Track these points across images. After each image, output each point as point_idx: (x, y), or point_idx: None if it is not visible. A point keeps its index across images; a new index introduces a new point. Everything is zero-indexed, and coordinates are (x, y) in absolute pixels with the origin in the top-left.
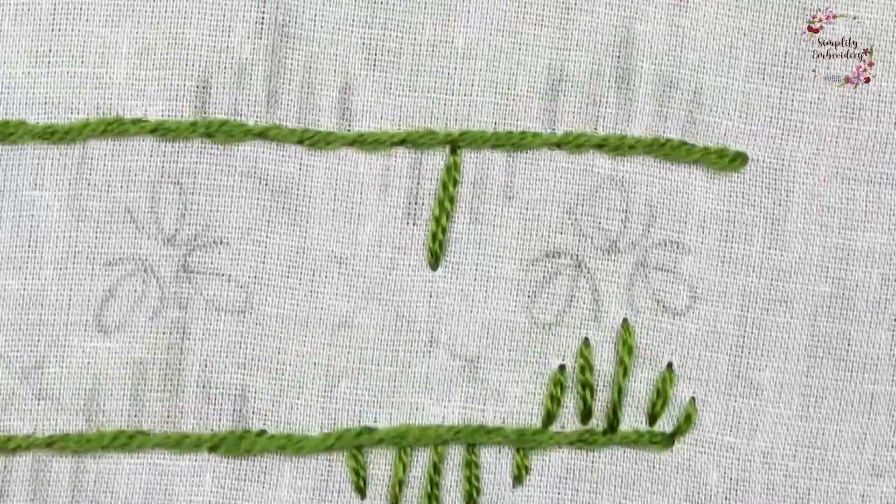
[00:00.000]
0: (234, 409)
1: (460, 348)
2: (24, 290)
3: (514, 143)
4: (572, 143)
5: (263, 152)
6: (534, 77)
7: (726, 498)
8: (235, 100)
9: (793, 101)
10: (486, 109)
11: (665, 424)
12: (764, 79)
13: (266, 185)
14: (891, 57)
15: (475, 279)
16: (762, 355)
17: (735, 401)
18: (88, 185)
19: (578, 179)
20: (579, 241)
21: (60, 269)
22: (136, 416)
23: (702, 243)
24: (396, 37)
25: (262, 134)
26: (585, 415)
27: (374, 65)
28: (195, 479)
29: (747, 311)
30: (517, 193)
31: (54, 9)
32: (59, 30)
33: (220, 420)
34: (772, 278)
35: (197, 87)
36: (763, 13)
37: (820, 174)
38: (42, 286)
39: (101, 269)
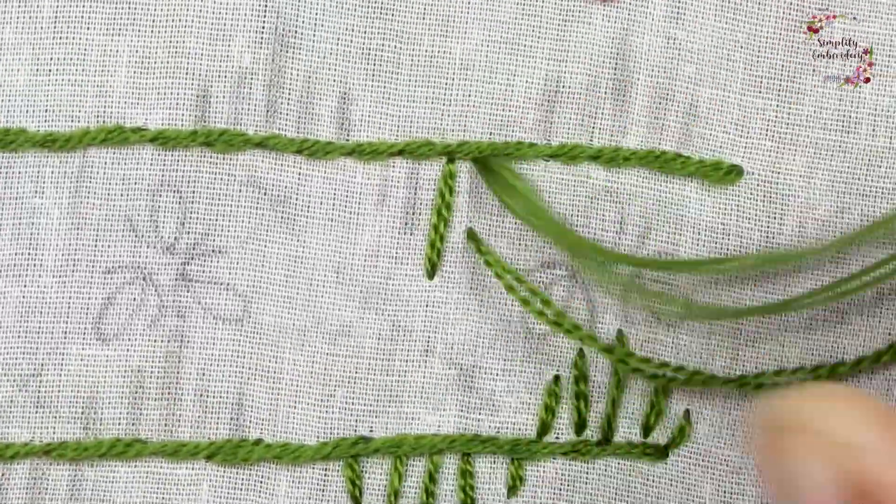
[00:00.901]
0: (231, 418)
1: (456, 358)
2: (24, 297)
3: (509, 153)
4: (568, 155)
5: (263, 161)
6: (530, 88)
7: None
8: (235, 109)
9: (788, 114)
10: (483, 120)
11: (659, 436)
12: (760, 92)
13: (265, 194)
14: (886, 71)
15: (471, 289)
16: (756, 368)
17: (729, 413)
18: (88, 193)
19: (573, 191)
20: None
21: (60, 276)
22: (133, 424)
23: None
24: (395, 47)
25: (262, 143)
26: (580, 426)
27: (373, 75)
28: (192, 487)
29: (742, 324)
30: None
31: (55, 17)
32: (60, 38)
33: (217, 428)
34: (766, 291)
35: (197, 96)
36: (760, 26)
37: (815, 188)
38: (41, 294)
39: (101, 276)
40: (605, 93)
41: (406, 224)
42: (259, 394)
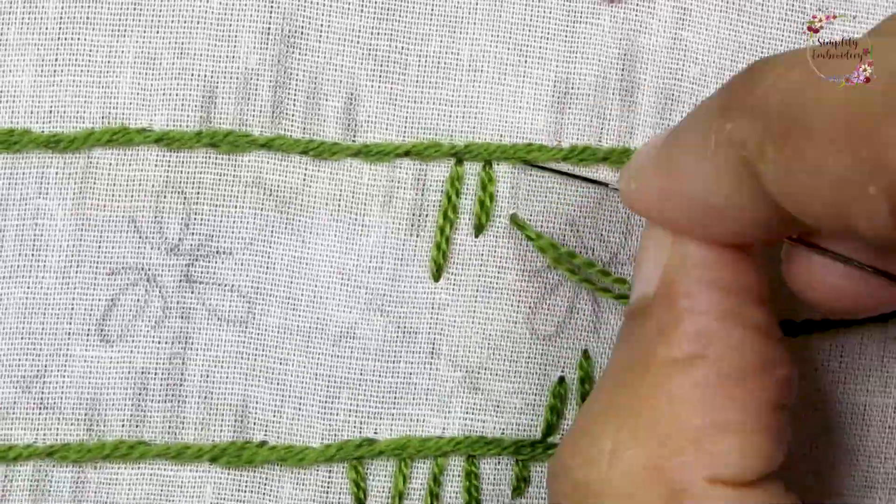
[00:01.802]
0: (235, 420)
1: (461, 359)
2: (27, 298)
3: (518, 155)
4: (577, 156)
5: (268, 162)
6: (539, 90)
7: None
8: (241, 110)
9: None
10: (492, 122)
11: None
12: None
13: (270, 195)
14: None
15: (476, 291)
16: None
17: None
18: (93, 193)
19: (581, 192)
20: (581, 252)
21: (63, 277)
22: (137, 426)
23: None
24: (402, 48)
25: (268, 144)
26: None
27: (380, 76)
28: (196, 489)
29: None
30: (520, 205)
31: (60, 18)
32: (65, 39)
33: (221, 431)
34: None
35: (202, 96)
36: (764, 28)
37: None
38: (45, 295)
39: (104, 278)
40: (613, 93)
41: (412, 226)
42: (263, 396)
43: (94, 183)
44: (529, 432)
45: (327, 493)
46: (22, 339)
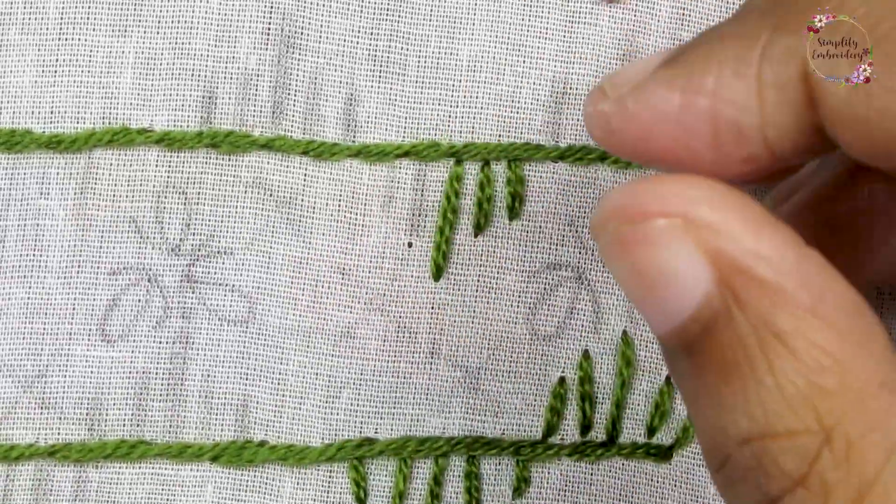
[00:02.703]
0: (236, 419)
1: (461, 359)
2: (29, 298)
3: (517, 155)
4: (575, 156)
5: (269, 163)
6: (538, 89)
7: None
8: (241, 110)
9: None
10: (490, 122)
11: (664, 437)
12: None
13: (271, 195)
14: None
15: (476, 291)
16: None
17: None
18: (94, 194)
19: (581, 192)
20: (580, 253)
21: (65, 278)
22: (138, 425)
23: None
24: (402, 49)
25: (268, 145)
26: (585, 427)
27: (380, 76)
28: (197, 489)
29: None
30: (519, 205)
31: (61, 18)
32: (66, 39)
33: (222, 430)
34: None
35: (203, 97)
36: None
37: None
38: (46, 295)
39: (105, 278)
40: None
41: (412, 226)
42: (264, 395)
43: (96, 183)
44: (529, 433)
45: (328, 492)
46: (23, 338)
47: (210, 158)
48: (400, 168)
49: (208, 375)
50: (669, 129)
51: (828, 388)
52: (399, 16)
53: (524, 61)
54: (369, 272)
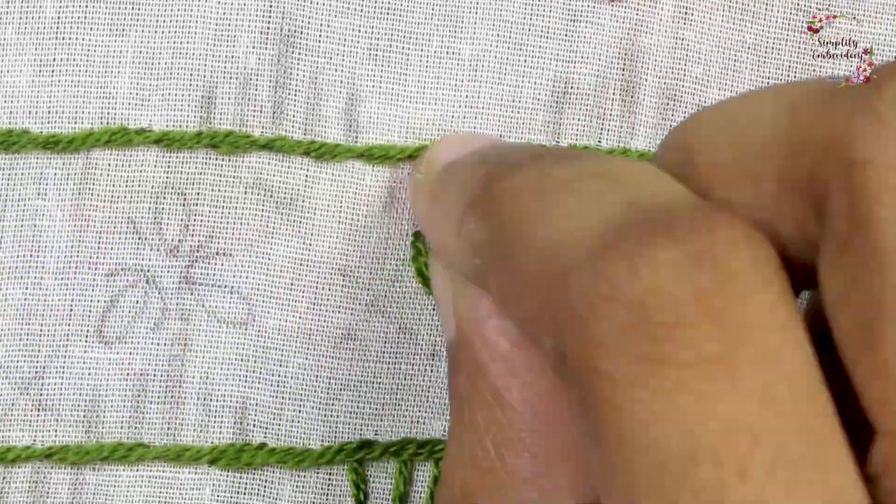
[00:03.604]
0: (234, 422)
1: None
2: (26, 299)
3: None
4: None
5: (269, 164)
6: (539, 89)
7: None
8: (241, 110)
9: None
10: (492, 121)
11: None
12: None
13: (271, 196)
14: None
15: None
16: None
17: None
18: (91, 194)
19: None
20: None
21: (62, 279)
22: (136, 427)
23: None
24: (403, 48)
25: (268, 145)
26: None
27: (381, 76)
28: (195, 492)
29: None
30: None
31: (58, 18)
32: (64, 39)
33: (220, 433)
34: None
35: (202, 97)
36: (767, 27)
37: None
38: (43, 296)
39: (103, 279)
40: (614, 93)
41: (414, 227)
42: (263, 397)
43: (94, 184)
44: None
45: (328, 495)
46: (20, 340)
47: (209, 159)
48: (402, 169)
49: (207, 377)
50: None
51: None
52: (400, 15)
53: (526, 61)
54: (370, 274)
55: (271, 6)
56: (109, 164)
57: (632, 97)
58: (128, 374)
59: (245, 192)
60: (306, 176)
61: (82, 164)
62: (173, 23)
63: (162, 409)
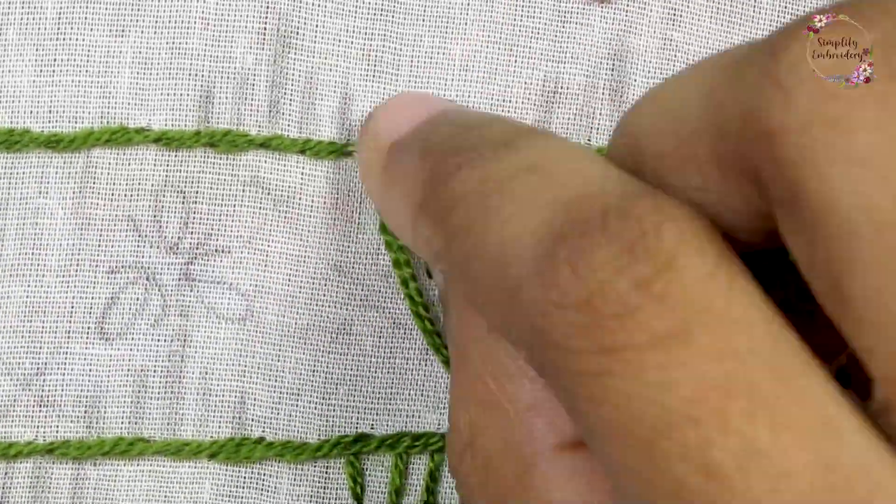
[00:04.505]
0: (233, 417)
1: None
2: (27, 297)
3: None
4: None
5: (266, 162)
6: (529, 89)
7: None
8: (238, 109)
9: None
10: None
11: None
12: None
13: (268, 194)
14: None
15: None
16: None
17: None
18: (92, 193)
19: None
20: None
21: (63, 276)
22: (136, 423)
23: None
24: (395, 48)
25: (265, 144)
26: None
27: (374, 75)
28: (194, 486)
29: None
30: None
31: (59, 17)
32: (64, 38)
33: (219, 427)
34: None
35: (200, 96)
36: (755, 29)
37: None
38: (45, 293)
39: (104, 276)
40: (603, 94)
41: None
42: (261, 392)
43: (94, 182)
44: None
45: (325, 488)
46: (22, 337)
47: (208, 157)
48: None
49: (206, 373)
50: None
51: None
52: (393, 16)
53: (516, 61)
54: (365, 269)
55: (268, 8)
56: (110, 163)
57: (621, 97)
58: (128, 370)
59: (243, 190)
60: (302, 174)
61: (83, 163)
62: (172, 24)
63: (162, 405)
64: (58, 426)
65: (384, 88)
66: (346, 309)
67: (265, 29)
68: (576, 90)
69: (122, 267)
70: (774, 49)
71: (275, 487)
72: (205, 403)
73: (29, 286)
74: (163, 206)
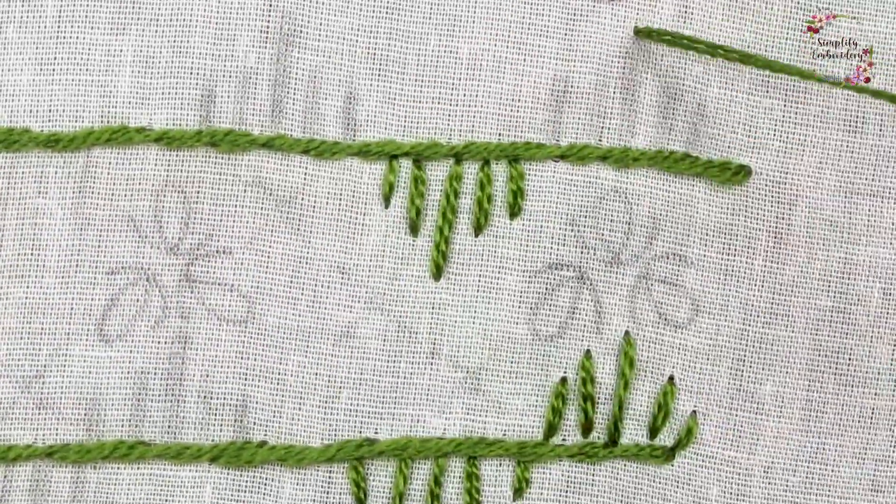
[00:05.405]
0: (234, 420)
1: (462, 360)
2: (27, 298)
3: (517, 154)
4: (576, 155)
5: (268, 162)
6: (538, 88)
7: None
8: (240, 109)
9: (796, 114)
10: (491, 120)
11: (666, 438)
12: (768, 92)
13: (270, 194)
14: (892, 70)
15: (477, 290)
16: (763, 369)
17: (736, 415)
18: (92, 193)
19: (582, 191)
20: (582, 252)
21: (63, 277)
22: (136, 426)
23: (704, 256)
24: (401, 47)
25: (268, 144)
26: (587, 428)
27: (379, 74)
28: (195, 490)
29: (749, 325)
30: (520, 204)
31: (59, 16)
32: (64, 38)
33: (220, 430)
34: (774, 292)
35: (202, 95)
36: (767, 25)
37: (823, 188)
38: (44, 295)
39: (104, 277)
40: (614, 92)
41: (412, 225)
42: (263, 395)
43: (94, 182)
44: (531, 433)
45: (328, 493)
46: (21, 338)
47: (209, 157)
48: (400, 168)
49: (207, 375)
50: None
51: None
52: (399, 14)
53: (525, 59)
54: (369, 271)
55: (271, 5)
56: (110, 163)
57: (632, 96)
58: (128, 373)
59: (245, 190)
60: (305, 174)
61: (83, 162)
62: (173, 22)
63: (162, 408)
64: (57, 429)
65: (390, 87)
66: (350, 311)
67: (268, 27)
68: (586, 89)
69: (122, 268)
70: None
71: (277, 492)
72: (206, 406)
73: (28, 287)
74: (163, 207)
